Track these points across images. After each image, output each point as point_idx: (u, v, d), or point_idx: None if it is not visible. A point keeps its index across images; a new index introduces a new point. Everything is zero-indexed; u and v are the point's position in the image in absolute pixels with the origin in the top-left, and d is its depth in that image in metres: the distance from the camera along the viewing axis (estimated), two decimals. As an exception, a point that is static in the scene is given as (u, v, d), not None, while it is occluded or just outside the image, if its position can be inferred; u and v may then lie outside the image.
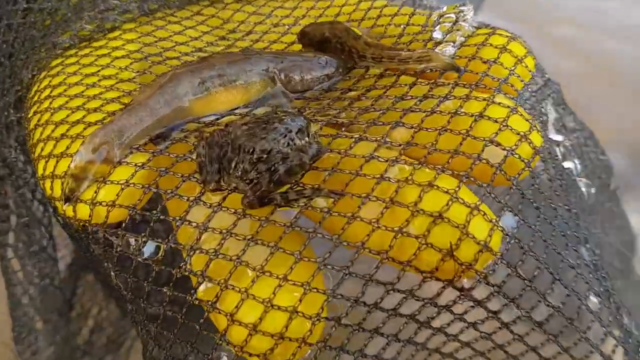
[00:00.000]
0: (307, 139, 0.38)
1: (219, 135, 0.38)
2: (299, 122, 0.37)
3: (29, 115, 0.45)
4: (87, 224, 0.38)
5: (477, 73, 0.41)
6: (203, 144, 0.38)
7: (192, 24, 0.53)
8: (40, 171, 0.41)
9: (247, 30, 0.53)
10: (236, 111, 0.43)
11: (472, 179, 0.36)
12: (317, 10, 0.54)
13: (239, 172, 0.36)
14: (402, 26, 0.48)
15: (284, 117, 0.37)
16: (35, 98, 0.46)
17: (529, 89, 0.45)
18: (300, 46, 0.49)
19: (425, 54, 0.41)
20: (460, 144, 0.37)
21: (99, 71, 0.46)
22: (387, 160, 0.37)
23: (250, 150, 0.36)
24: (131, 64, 0.47)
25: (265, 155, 0.36)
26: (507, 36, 0.44)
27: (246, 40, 0.52)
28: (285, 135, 0.36)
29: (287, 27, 0.53)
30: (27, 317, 0.62)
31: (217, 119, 0.42)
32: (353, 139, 0.38)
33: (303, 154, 0.36)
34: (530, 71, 0.43)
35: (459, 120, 0.38)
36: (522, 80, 0.42)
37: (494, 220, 0.35)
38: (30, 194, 0.54)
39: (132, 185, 0.37)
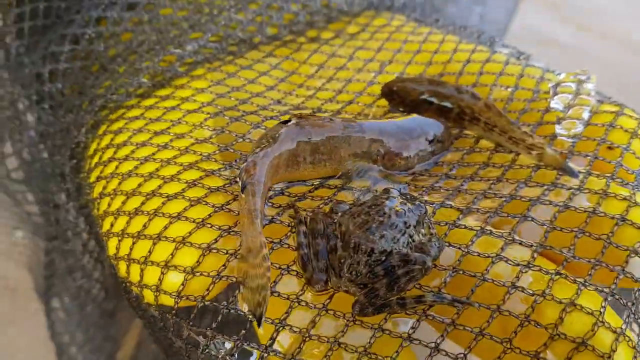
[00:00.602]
0: (423, 231, 0.33)
1: (323, 223, 0.33)
2: (417, 213, 0.33)
3: (91, 181, 0.41)
4: (171, 314, 0.33)
5: (608, 161, 0.37)
6: (304, 231, 0.33)
7: (266, 68, 0.48)
8: (112, 250, 0.36)
9: (328, 77, 0.48)
10: (330, 182, 0.38)
11: (616, 296, 0.31)
12: (405, 54, 0.49)
13: (353, 275, 0.31)
14: (510, 89, 0.43)
15: (400, 208, 0.32)
16: (96, 159, 0.41)
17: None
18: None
19: (540, 145, 0.37)
20: (602, 252, 0.32)
21: (169, 128, 0.41)
22: (518, 265, 0.32)
23: (368, 252, 0.31)
24: (206, 120, 0.42)
25: (384, 257, 0.31)
26: (636, 118, 0.39)
27: (329, 91, 0.47)
28: (405, 232, 0.32)
29: (373, 74, 0.48)
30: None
31: (309, 191, 0.37)
32: (475, 232, 0.34)
33: (425, 255, 0.31)
34: None
35: (596, 220, 0.34)
36: None
37: (637, 346, 0.31)
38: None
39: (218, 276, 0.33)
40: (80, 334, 0.55)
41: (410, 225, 0.32)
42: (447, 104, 0.41)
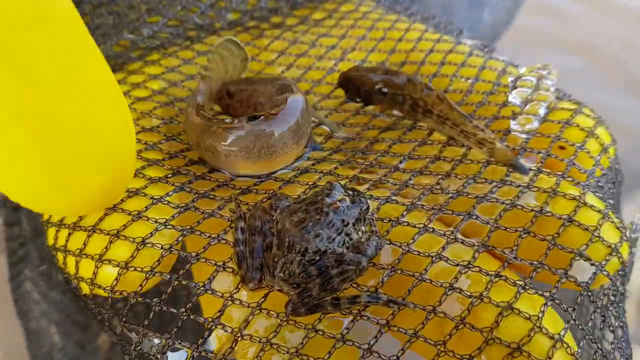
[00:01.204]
0: (363, 228, 0.32)
1: (261, 219, 0.32)
2: (357, 209, 0.32)
3: None
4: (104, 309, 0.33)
5: (561, 159, 0.35)
6: (242, 226, 0.32)
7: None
8: (50, 241, 0.35)
9: (288, 64, 0.47)
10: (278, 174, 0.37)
11: (556, 301, 0.31)
12: (369, 42, 0.48)
13: (286, 275, 0.30)
14: (470, 81, 0.42)
15: (339, 205, 0.31)
16: None
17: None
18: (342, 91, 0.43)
19: (490, 140, 0.35)
20: (546, 254, 0.31)
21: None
22: (457, 264, 0.31)
23: (302, 251, 0.30)
24: (155, 108, 0.41)
25: (317, 257, 0.30)
26: (594, 118, 0.38)
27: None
28: (342, 231, 0.31)
29: (333, 62, 0.47)
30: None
31: (255, 184, 0.36)
32: (417, 230, 0.33)
33: (361, 255, 0.31)
34: (609, 158, 0.38)
35: (543, 220, 0.33)
36: (602, 169, 0.37)
37: (576, 353, 0.30)
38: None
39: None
40: (50, 321, 0.55)
41: (348, 224, 0.31)
42: (400, 95, 0.40)
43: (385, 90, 0.40)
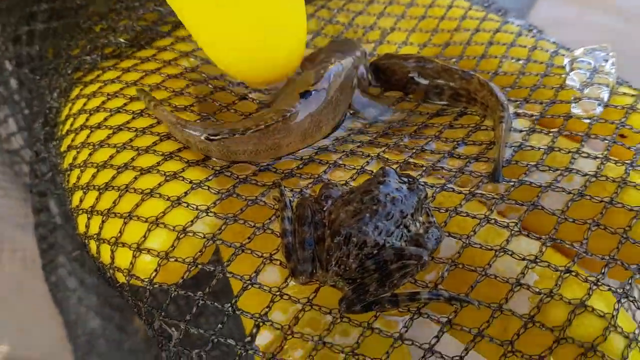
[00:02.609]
0: (421, 219, 0.30)
1: (311, 209, 0.30)
2: (415, 198, 0.29)
3: (62, 150, 0.37)
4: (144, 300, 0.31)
5: (627, 147, 0.33)
6: (290, 217, 0.30)
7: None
8: (82, 228, 0.33)
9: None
10: (321, 143, 0.35)
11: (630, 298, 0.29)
12: (409, 20, 0.45)
13: (341, 269, 0.28)
14: (521, 62, 0.40)
15: (396, 195, 0.29)
16: (67, 126, 0.38)
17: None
18: None
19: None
20: (618, 248, 0.29)
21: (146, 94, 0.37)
22: (524, 259, 0.29)
23: (360, 244, 0.28)
24: (187, 86, 0.38)
25: (376, 251, 0.28)
26: None
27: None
28: (400, 223, 0.28)
29: (373, 45, 0.44)
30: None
31: (298, 167, 0.34)
32: (478, 221, 0.30)
33: (422, 249, 0.28)
34: None
35: (612, 212, 0.31)
36: None
37: None
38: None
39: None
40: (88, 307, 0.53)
41: (407, 215, 0.29)
42: (437, 86, 0.38)
43: (418, 80, 0.38)
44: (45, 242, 0.47)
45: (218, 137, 0.32)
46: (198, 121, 0.35)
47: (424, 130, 0.36)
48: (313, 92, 0.34)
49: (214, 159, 0.34)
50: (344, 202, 0.29)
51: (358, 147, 0.35)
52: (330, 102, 0.35)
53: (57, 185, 0.42)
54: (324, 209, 0.30)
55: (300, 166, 0.34)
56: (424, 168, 0.34)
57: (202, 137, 0.32)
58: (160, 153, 0.33)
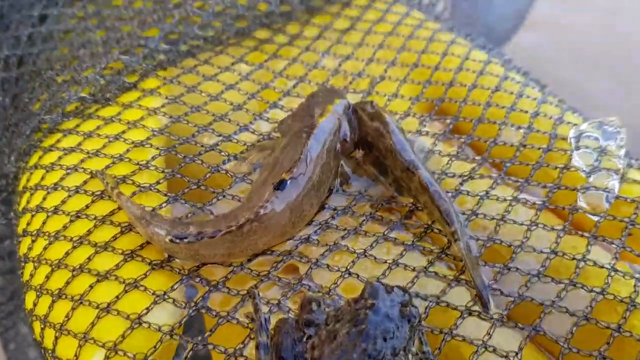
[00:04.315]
0: (413, 349, 0.27)
1: (291, 337, 0.27)
2: (406, 327, 0.26)
3: (19, 230, 0.34)
4: None
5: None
6: (266, 343, 0.27)
7: (234, 80, 0.40)
8: (29, 305, 0.30)
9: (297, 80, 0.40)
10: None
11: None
12: (399, 68, 0.41)
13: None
14: (522, 130, 0.36)
15: (388, 326, 0.26)
16: (24, 203, 0.34)
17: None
18: None
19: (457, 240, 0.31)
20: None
21: (108, 167, 0.34)
22: None
23: None
24: (153, 158, 0.34)
25: None
26: None
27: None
28: (383, 350, 0.26)
29: (361, 95, 0.40)
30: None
31: (274, 266, 0.31)
32: (476, 348, 0.28)
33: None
34: None
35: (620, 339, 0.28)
36: None
37: None
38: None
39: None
40: None
41: (399, 351, 0.26)
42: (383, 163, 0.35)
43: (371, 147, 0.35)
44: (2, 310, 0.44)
45: (185, 239, 0.29)
46: (163, 217, 0.31)
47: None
48: (289, 181, 0.30)
49: (179, 260, 0.31)
50: (328, 334, 0.26)
51: (343, 237, 0.32)
52: (311, 187, 0.31)
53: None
54: (306, 338, 0.27)
55: (278, 266, 0.31)
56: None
57: (167, 239, 0.29)
58: (121, 251, 0.30)
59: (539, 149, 0.35)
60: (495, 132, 0.37)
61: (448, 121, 0.38)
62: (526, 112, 0.37)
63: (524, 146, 0.36)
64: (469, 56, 0.41)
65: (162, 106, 0.37)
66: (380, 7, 0.46)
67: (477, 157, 0.36)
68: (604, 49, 1.09)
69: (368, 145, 0.35)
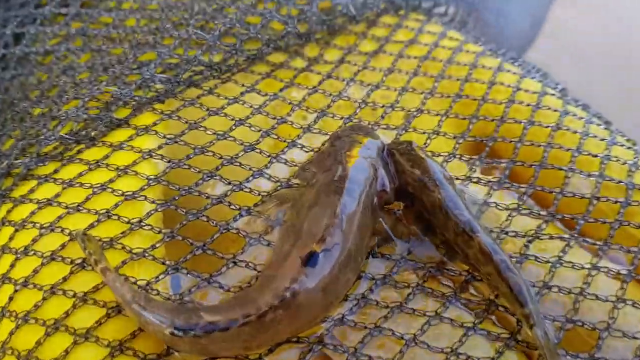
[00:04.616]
0: None
1: None
2: None
3: None
4: None
5: None
6: None
7: (245, 113, 0.34)
8: None
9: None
10: None
11: None
12: (437, 101, 0.35)
13: None
14: (592, 179, 0.30)
15: None
16: None
17: None
18: None
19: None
20: None
21: (92, 226, 0.27)
22: None
23: None
24: (149, 214, 0.28)
25: None
26: None
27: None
28: None
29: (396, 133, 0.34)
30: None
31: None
32: None
33: None
34: None
35: None
36: None
37: None
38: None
39: None
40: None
41: None
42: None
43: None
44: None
45: (191, 332, 0.22)
46: (161, 302, 0.24)
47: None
48: (322, 254, 0.24)
49: (182, 354, 0.24)
50: None
51: (386, 318, 0.26)
52: (348, 258, 0.25)
53: None
54: None
55: (307, 359, 0.24)
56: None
57: (167, 332, 0.23)
58: (106, 342, 0.24)
59: (616, 202, 0.29)
60: (561, 180, 0.30)
61: (503, 165, 0.32)
62: (595, 155, 0.31)
63: (597, 199, 0.29)
64: (520, 86, 0.35)
65: (159, 147, 0.31)
66: (412, 25, 0.39)
67: (542, 212, 0.30)
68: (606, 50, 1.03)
69: (409, 197, 0.29)
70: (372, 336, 0.25)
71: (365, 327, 0.25)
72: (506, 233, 0.29)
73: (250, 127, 0.33)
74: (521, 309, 0.25)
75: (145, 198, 0.28)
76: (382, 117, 0.34)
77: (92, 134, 0.31)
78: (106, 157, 0.30)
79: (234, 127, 0.32)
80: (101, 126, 0.31)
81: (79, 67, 0.33)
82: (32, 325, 0.25)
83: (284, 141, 0.33)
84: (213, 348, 0.23)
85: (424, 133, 0.33)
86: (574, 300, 0.26)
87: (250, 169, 0.31)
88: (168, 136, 0.31)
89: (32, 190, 0.30)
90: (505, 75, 0.36)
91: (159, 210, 0.28)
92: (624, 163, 0.31)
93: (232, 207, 0.29)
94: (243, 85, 0.35)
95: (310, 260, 0.24)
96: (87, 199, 0.28)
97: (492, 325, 0.26)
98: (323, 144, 0.32)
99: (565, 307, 0.26)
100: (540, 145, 0.32)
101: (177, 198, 0.29)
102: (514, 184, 0.31)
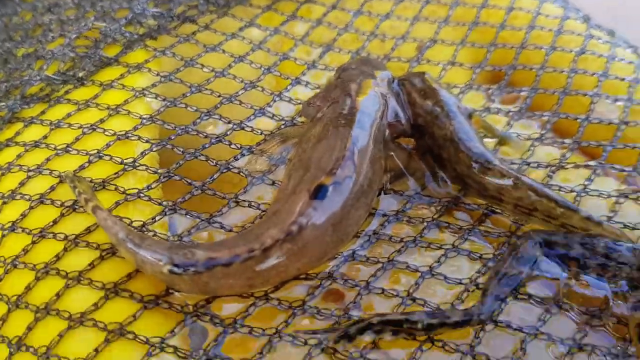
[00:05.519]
0: None
1: None
2: None
3: None
4: None
5: None
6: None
7: (244, 50, 0.31)
8: None
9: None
10: None
11: None
12: (455, 28, 0.33)
13: None
14: (620, 103, 0.28)
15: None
16: None
17: None
18: None
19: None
20: None
21: (83, 167, 0.25)
22: None
23: None
24: (143, 153, 0.26)
25: None
26: None
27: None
28: None
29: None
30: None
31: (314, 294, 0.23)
32: None
33: None
34: None
35: None
36: None
37: None
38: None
39: None
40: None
41: None
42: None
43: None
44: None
45: (190, 269, 0.21)
46: (156, 240, 0.23)
47: None
48: (331, 187, 0.22)
49: (182, 293, 0.22)
50: None
51: (399, 251, 0.24)
52: (359, 192, 0.23)
53: None
54: None
55: (316, 294, 0.22)
56: None
57: (165, 269, 0.21)
58: (100, 285, 0.22)
59: (647, 126, 0.27)
60: (586, 108, 0.28)
61: (524, 94, 0.29)
62: (622, 79, 0.29)
63: (626, 124, 0.27)
64: (540, 11, 0.32)
65: (153, 85, 0.29)
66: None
67: (565, 141, 0.27)
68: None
69: (419, 131, 0.27)
70: (385, 270, 0.23)
71: (378, 262, 0.24)
72: (528, 164, 0.27)
73: (250, 64, 0.31)
74: (578, 214, 0.23)
75: (139, 138, 0.27)
76: (393, 49, 0.32)
77: (80, 73, 0.29)
78: (96, 96, 0.28)
79: (232, 64, 0.30)
80: (90, 65, 0.29)
81: (65, 4, 0.31)
82: (21, 270, 0.23)
83: (287, 78, 0.30)
84: (215, 285, 0.21)
85: (438, 64, 0.31)
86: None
87: (251, 108, 0.29)
88: (162, 74, 0.29)
89: (18, 133, 0.28)
90: (523, 0, 0.33)
91: (154, 149, 0.26)
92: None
93: (233, 146, 0.27)
94: (241, 20, 0.33)
95: (319, 193, 0.22)
96: (77, 139, 0.27)
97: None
98: (329, 80, 0.30)
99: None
100: (563, 72, 0.29)
101: (173, 137, 0.27)
102: (536, 112, 0.29)
